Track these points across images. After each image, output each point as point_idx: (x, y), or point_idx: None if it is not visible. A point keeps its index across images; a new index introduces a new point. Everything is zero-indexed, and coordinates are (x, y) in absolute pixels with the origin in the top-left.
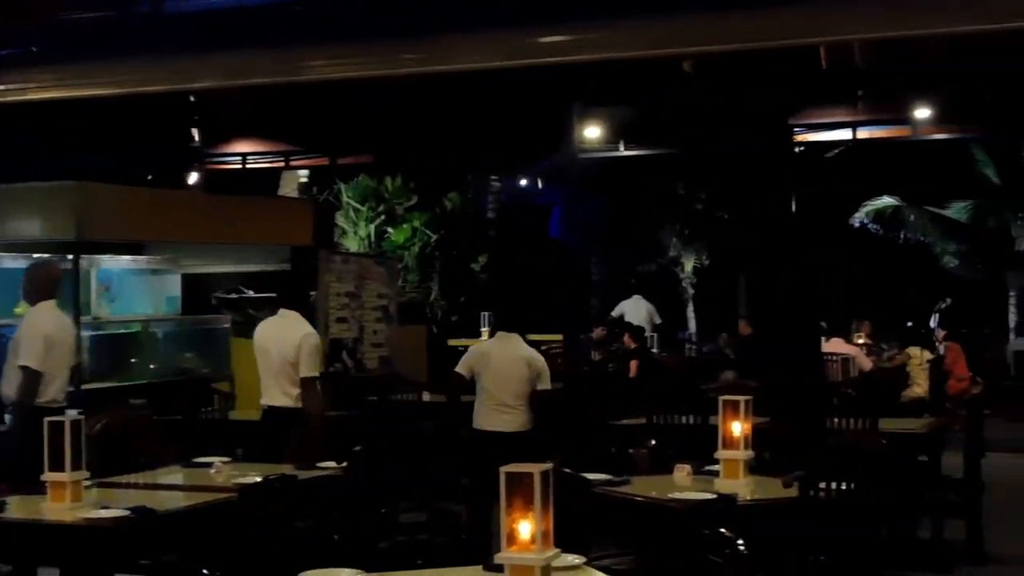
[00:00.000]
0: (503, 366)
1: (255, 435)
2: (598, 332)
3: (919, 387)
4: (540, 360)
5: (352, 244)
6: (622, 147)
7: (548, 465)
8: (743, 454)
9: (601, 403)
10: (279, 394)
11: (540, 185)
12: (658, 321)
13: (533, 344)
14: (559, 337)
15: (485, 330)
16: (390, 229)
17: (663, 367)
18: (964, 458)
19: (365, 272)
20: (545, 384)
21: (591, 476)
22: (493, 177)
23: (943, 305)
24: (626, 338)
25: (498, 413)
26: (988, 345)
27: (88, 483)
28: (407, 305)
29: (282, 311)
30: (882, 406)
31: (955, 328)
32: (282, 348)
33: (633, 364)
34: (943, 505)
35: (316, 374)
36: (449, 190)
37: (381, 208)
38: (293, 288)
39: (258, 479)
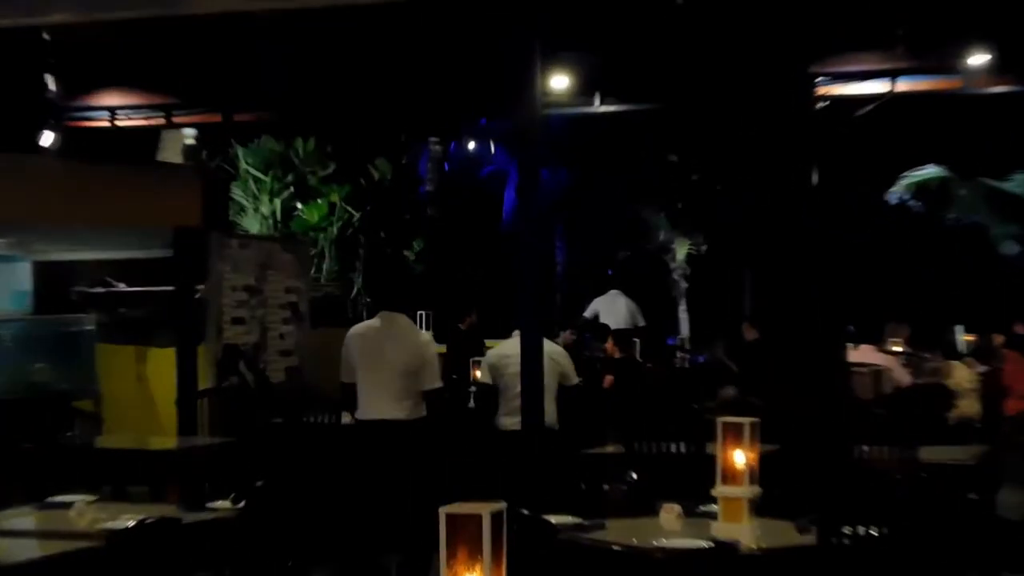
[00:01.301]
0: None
1: (129, 467)
2: (565, 337)
3: (969, 407)
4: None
5: (252, 224)
6: (597, 102)
7: (500, 505)
8: (747, 491)
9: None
10: (392, 407)
11: (493, 150)
12: (642, 323)
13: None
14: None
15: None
16: (301, 205)
17: (648, 381)
18: None
19: (269, 260)
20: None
21: (555, 519)
22: (433, 139)
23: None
24: (609, 344)
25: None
26: None
27: None
28: (323, 302)
29: (385, 313)
30: (923, 430)
31: (1015, 332)
32: (398, 356)
33: (608, 378)
34: (997, 556)
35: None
36: (376, 156)
37: (290, 178)
38: (398, 288)
39: (131, 523)
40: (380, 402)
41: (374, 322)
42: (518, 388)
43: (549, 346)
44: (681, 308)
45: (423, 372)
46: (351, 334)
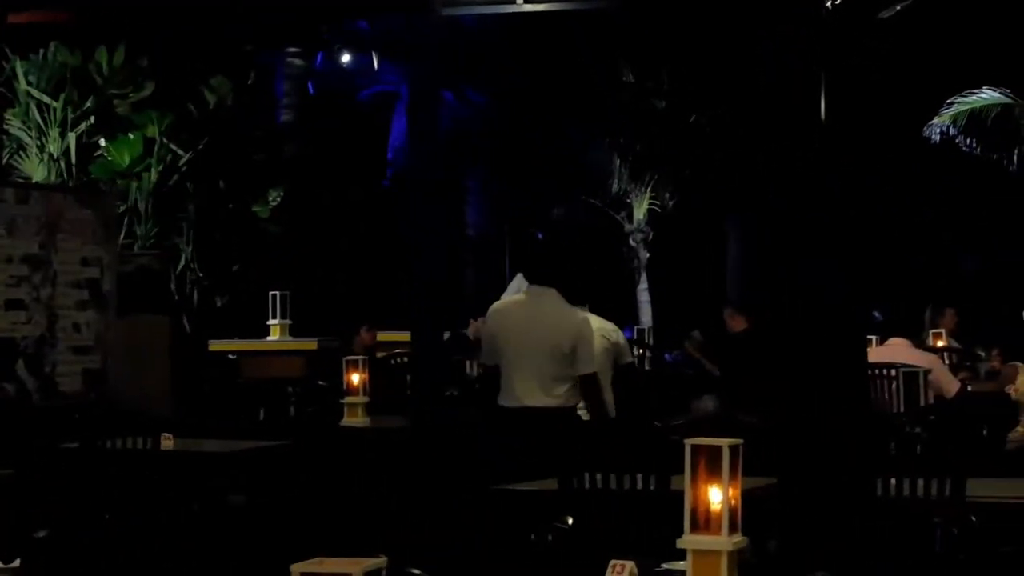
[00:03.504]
0: None
1: None
2: (477, 326)
3: None
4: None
5: (36, 169)
6: None
7: (380, 561)
8: (727, 542)
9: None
10: (541, 393)
11: (376, 64)
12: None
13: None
14: (405, 337)
15: (275, 323)
16: (105, 142)
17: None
18: None
19: (59, 219)
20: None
21: None
22: (292, 50)
23: None
24: None
25: None
26: None
27: None
28: (136, 278)
29: (533, 288)
30: (975, 457)
31: None
32: (547, 336)
33: None
34: None
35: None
36: (211, 73)
37: (89, 104)
38: (547, 260)
39: None
40: (526, 389)
41: (519, 297)
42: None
43: (597, 321)
44: (641, 287)
45: (577, 355)
46: (493, 310)
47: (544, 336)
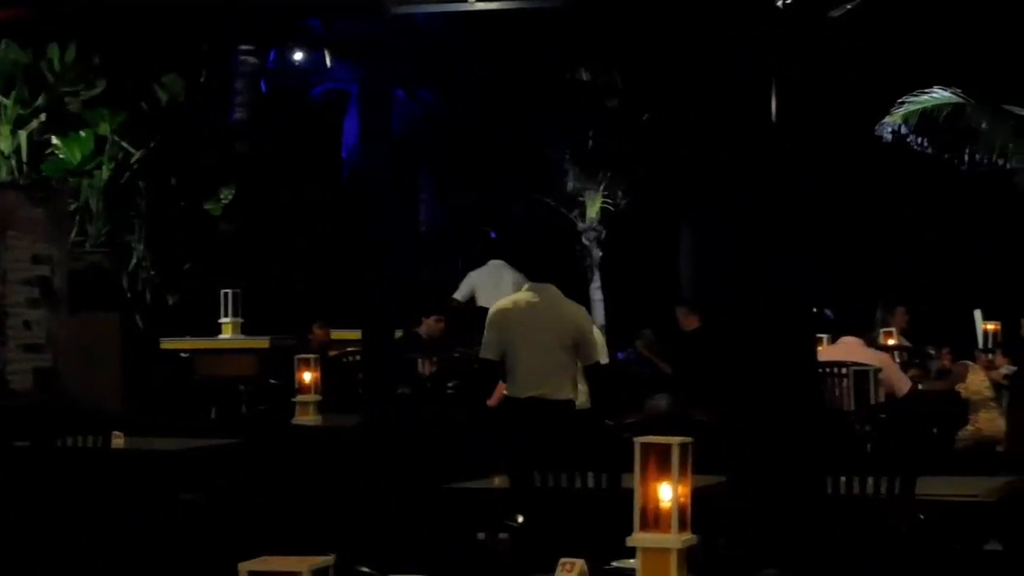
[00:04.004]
0: None
1: None
2: (430, 324)
3: (989, 422)
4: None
5: None
6: None
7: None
8: (676, 539)
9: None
10: (569, 387)
11: (329, 63)
12: None
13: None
14: (356, 335)
15: (227, 321)
16: (56, 139)
17: None
18: None
19: (10, 217)
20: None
21: None
22: (245, 47)
23: None
24: None
25: None
26: None
27: None
28: (87, 276)
29: (534, 285)
30: (925, 456)
31: None
32: (552, 329)
33: (502, 385)
34: None
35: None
36: (164, 71)
37: (40, 101)
38: (546, 257)
39: None
40: (536, 380)
41: (523, 294)
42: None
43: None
44: (594, 285)
45: (580, 347)
46: (496, 309)
47: (549, 329)
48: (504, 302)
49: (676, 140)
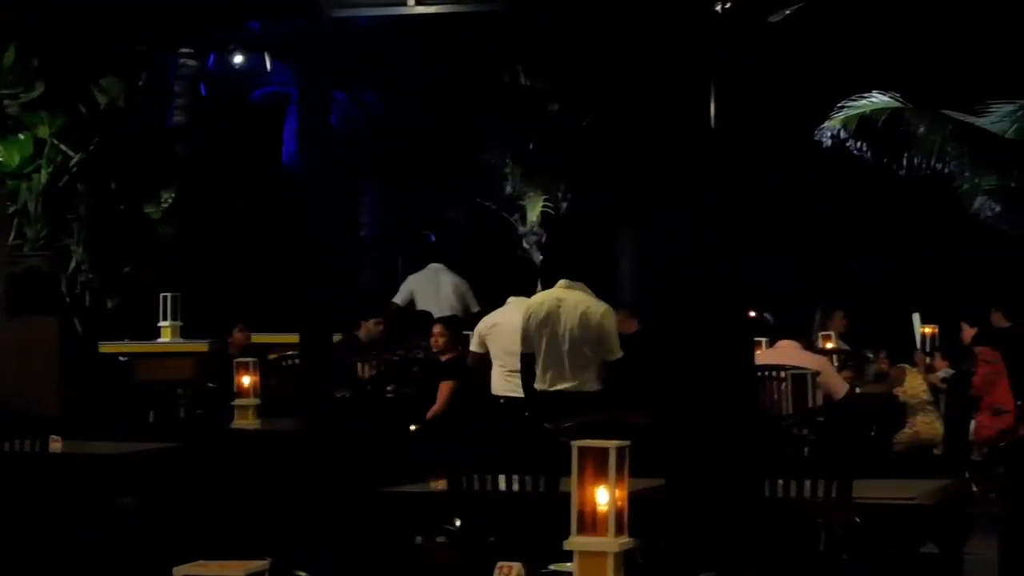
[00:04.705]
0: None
1: None
2: (369, 327)
3: (927, 425)
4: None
5: None
6: (413, 1)
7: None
8: (614, 543)
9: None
10: (595, 380)
11: (269, 65)
12: (476, 309)
13: (252, 351)
14: (294, 339)
15: (166, 325)
16: None
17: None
18: (1000, 550)
19: None
20: None
21: None
22: (184, 50)
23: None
24: (437, 337)
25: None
26: None
27: None
28: (25, 280)
29: (564, 282)
30: (862, 459)
31: (992, 324)
32: (578, 326)
33: (444, 388)
34: None
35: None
36: (103, 73)
37: None
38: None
39: None
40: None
41: (553, 292)
42: (507, 354)
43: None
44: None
45: (602, 343)
46: (528, 303)
47: (575, 326)
48: (533, 299)
49: (617, 144)
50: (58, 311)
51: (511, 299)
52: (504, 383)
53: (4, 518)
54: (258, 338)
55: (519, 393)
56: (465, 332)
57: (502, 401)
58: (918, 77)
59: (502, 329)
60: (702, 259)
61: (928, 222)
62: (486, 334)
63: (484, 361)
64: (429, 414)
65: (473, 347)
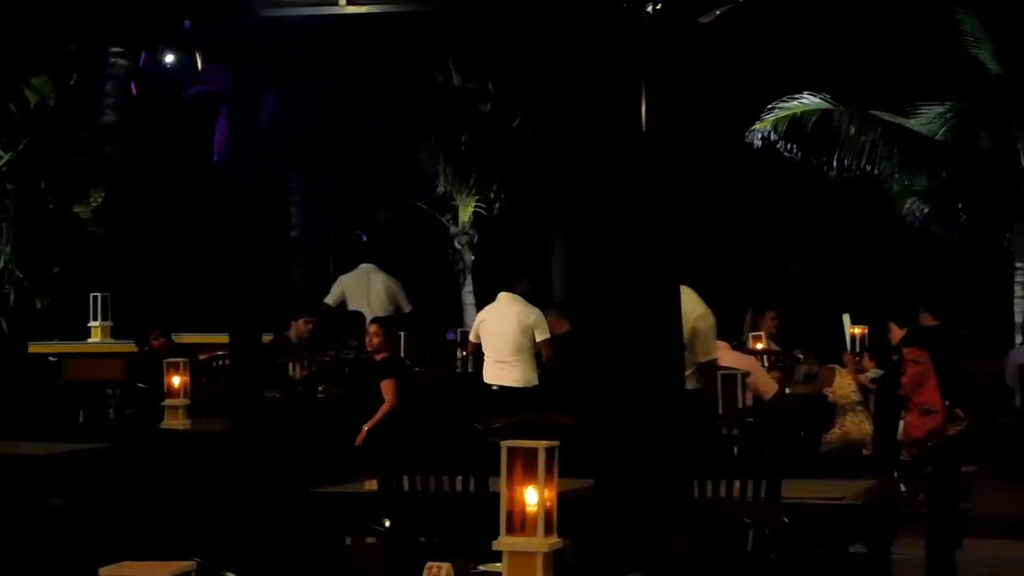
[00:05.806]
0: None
1: None
2: (299, 327)
3: (855, 426)
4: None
5: None
6: (344, 0)
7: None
8: (543, 543)
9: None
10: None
11: (200, 65)
12: (407, 309)
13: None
14: (224, 339)
15: (96, 325)
16: None
17: (416, 390)
18: (927, 549)
19: None
20: None
21: None
22: (115, 50)
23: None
24: (372, 337)
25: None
26: (976, 354)
27: None
28: None
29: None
30: (791, 459)
31: (920, 324)
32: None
33: (388, 386)
34: None
35: None
36: (32, 72)
37: None
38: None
39: None
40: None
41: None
42: (494, 346)
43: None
44: (466, 290)
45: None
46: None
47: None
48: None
49: (541, 147)
50: None
51: (501, 295)
52: (493, 372)
53: None
54: (188, 338)
55: (507, 383)
56: (397, 333)
57: (494, 388)
58: (849, 78)
59: (488, 325)
60: (642, 259)
61: (858, 223)
62: (478, 327)
63: (480, 351)
64: (381, 413)
65: (472, 338)
